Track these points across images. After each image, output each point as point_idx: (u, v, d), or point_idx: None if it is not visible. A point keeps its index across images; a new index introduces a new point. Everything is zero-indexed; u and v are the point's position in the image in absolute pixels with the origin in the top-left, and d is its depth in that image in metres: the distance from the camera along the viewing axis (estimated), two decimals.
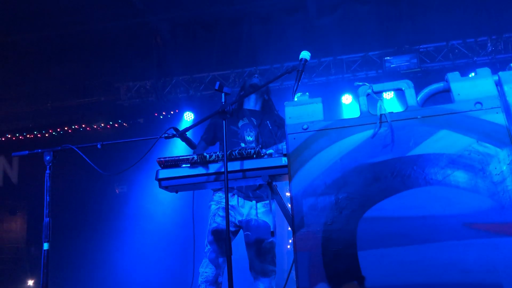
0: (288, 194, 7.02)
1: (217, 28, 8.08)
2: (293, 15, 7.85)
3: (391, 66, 7.58)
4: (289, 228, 6.92)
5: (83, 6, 7.35)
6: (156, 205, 7.93)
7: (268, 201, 3.69)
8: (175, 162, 2.66)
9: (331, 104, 7.72)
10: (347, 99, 7.87)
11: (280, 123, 3.83)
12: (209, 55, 8.12)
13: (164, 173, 2.66)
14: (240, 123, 3.79)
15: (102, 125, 9.01)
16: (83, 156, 2.71)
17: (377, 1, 7.49)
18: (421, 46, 7.56)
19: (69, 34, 7.83)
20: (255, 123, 3.79)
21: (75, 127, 9.12)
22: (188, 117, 8.25)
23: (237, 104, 3.95)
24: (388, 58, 7.61)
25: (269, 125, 3.76)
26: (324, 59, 7.93)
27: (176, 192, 2.84)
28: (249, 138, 3.71)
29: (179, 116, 8.35)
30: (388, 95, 7.70)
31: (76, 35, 7.87)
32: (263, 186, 3.65)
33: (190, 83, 8.29)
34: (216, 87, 2.58)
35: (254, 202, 3.65)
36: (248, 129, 3.75)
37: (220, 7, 7.81)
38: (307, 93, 2.24)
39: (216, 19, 8.05)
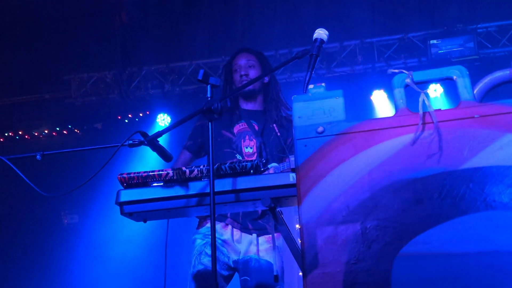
0: (298, 226, 6.95)
1: (204, 1, 8.11)
2: None
3: (439, 52, 7.62)
4: (301, 273, 6.90)
5: None
6: (117, 241, 7.89)
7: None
8: (143, 180, 2.64)
9: (358, 102, 7.74)
10: (379, 96, 7.87)
11: (287, 124, 3.78)
12: (192, 37, 8.14)
13: (128, 195, 2.65)
14: (236, 129, 3.77)
15: (46, 131, 9.01)
16: (17, 171, 2.69)
17: None
18: (479, 26, 7.60)
19: None
20: (257, 128, 3.76)
21: (8, 135, 9.11)
22: (163, 121, 8.26)
23: (230, 100, 3.92)
24: (435, 41, 7.65)
25: (276, 130, 3.71)
26: (347, 43, 7.96)
27: (144, 222, 2.83)
28: (248, 150, 3.69)
29: (150, 120, 8.36)
30: (434, 92, 7.71)
31: (9, 9, 7.87)
32: (267, 214, 3.64)
33: (166, 75, 8.31)
34: (200, 77, 2.59)
35: (254, 235, 3.64)
36: (246, 137, 3.73)
37: None
38: (323, 84, 2.23)
39: None
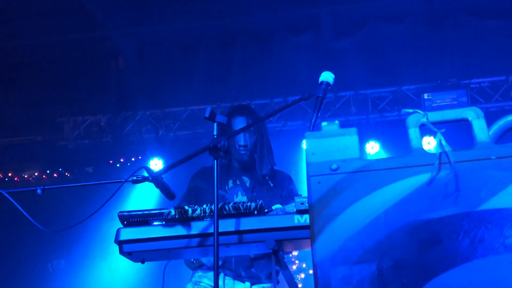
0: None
1: (200, 48, 8.20)
2: (301, 35, 8.01)
3: (432, 105, 7.69)
4: None
5: (19, 14, 7.41)
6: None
7: (268, 285, 3.63)
8: (144, 218, 2.61)
9: None
10: (372, 147, 7.90)
11: (277, 177, 3.76)
12: (187, 83, 8.19)
13: (128, 233, 2.61)
14: (229, 185, 3.76)
15: (36, 174, 9.00)
16: (16, 204, 2.62)
17: (413, 18, 7.67)
18: (472, 81, 7.70)
19: None
20: (248, 185, 3.75)
21: None
22: (156, 165, 8.21)
23: (226, 157, 3.85)
24: (428, 96, 7.72)
25: (270, 183, 3.71)
26: (342, 94, 8.04)
27: (142, 262, 2.79)
28: None
29: (143, 164, 8.28)
30: (428, 145, 7.72)
31: (5, 52, 7.90)
32: (261, 263, 3.58)
33: (160, 120, 8.33)
34: (207, 115, 2.58)
35: (248, 284, 3.60)
36: (238, 193, 3.72)
37: (204, 22, 7.95)
38: (337, 121, 2.22)
39: (199, 36, 8.18)
